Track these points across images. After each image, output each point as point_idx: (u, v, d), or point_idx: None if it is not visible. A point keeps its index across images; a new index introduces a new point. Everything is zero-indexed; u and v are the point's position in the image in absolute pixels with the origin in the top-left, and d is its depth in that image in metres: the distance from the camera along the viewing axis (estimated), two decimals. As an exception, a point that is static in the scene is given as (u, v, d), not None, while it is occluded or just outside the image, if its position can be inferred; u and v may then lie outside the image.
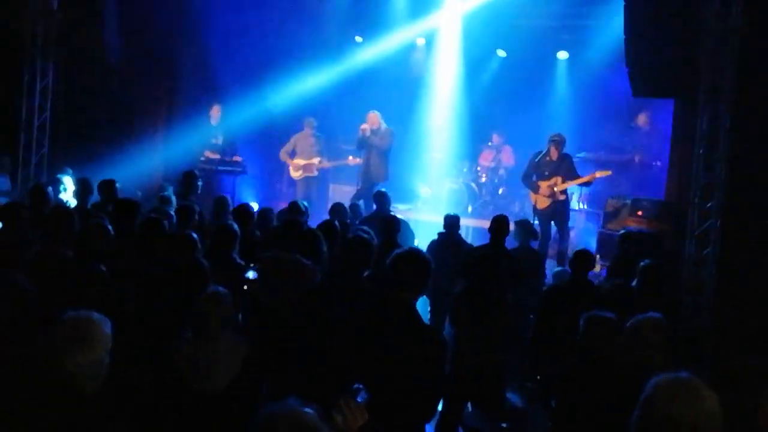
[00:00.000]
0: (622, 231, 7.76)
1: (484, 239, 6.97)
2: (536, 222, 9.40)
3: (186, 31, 11.24)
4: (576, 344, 3.99)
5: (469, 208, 11.80)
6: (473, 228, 10.84)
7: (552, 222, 9.49)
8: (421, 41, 13.41)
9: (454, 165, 12.66)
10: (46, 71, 9.39)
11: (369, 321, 3.51)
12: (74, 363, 2.82)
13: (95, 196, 7.19)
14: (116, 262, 4.86)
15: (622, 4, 7.55)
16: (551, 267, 8.24)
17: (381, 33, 12.87)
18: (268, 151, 12.41)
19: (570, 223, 9.88)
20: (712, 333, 6.41)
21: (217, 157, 11.09)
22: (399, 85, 13.07)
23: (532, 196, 9.58)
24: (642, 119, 11.48)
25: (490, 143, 12.60)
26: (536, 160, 9.45)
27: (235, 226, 5.67)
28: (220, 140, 11.22)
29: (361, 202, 9.31)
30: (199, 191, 8.06)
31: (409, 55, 13.46)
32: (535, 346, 5.83)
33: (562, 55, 12.70)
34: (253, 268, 5.44)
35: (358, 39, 13.29)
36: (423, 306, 6.51)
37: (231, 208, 7.30)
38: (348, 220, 7.38)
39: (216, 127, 11.28)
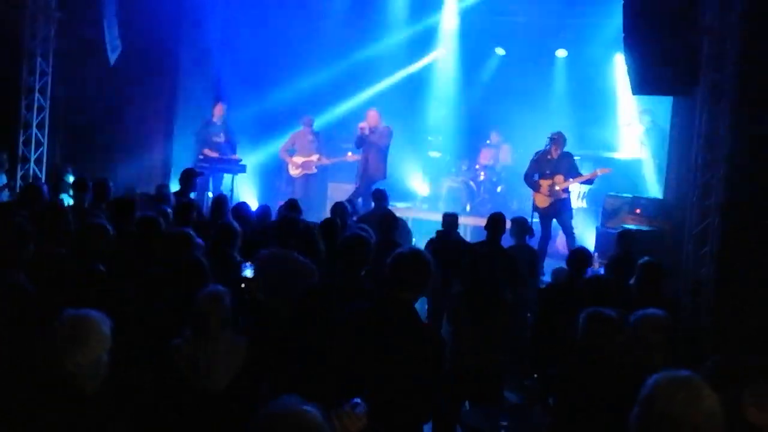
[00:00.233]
0: (621, 229, 7.76)
1: (483, 237, 6.96)
2: (537, 220, 9.40)
3: (185, 29, 11.21)
4: (576, 342, 3.98)
5: (468, 207, 11.80)
6: (472, 226, 10.84)
7: (554, 220, 9.46)
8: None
9: (452, 163, 12.65)
10: (45, 69, 9.37)
11: (369, 321, 3.50)
12: (74, 363, 2.81)
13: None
14: (115, 261, 4.85)
15: (621, 2, 7.54)
16: (552, 266, 8.21)
17: (380, 30, 12.86)
18: (267, 149, 12.40)
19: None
20: (712, 333, 6.41)
21: (216, 155, 11.09)
22: (398, 83, 13.05)
23: (534, 194, 9.55)
24: (642, 118, 11.46)
25: (488, 142, 12.60)
26: (537, 158, 9.44)
27: (236, 225, 5.66)
28: (222, 138, 11.22)
29: (359, 200, 9.31)
30: (197, 189, 8.05)
31: (408, 53, 13.42)
32: (534, 345, 5.82)
33: (561, 53, 12.69)
34: (250, 266, 5.43)
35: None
36: (421, 305, 6.50)
37: (229, 207, 7.29)
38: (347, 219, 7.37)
39: (219, 126, 11.27)
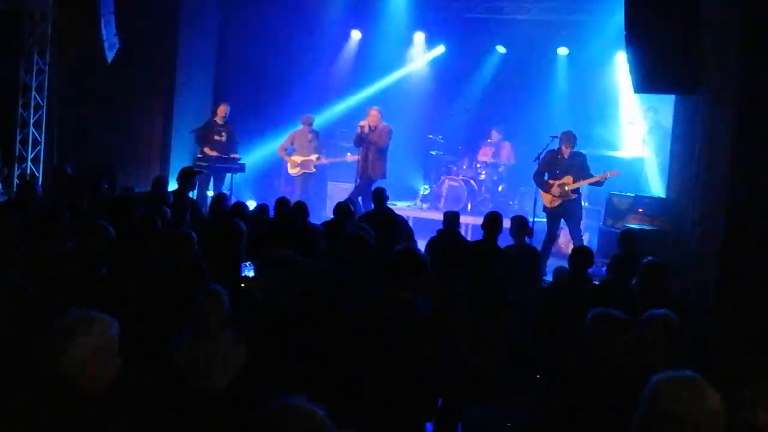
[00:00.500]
0: (623, 228, 7.72)
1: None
2: (544, 220, 9.36)
3: (184, 26, 11.18)
4: (579, 342, 3.95)
5: (469, 206, 11.77)
6: (472, 225, 10.81)
7: (563, 221, 9.38)
8: (420, 36, 13.36)
9: (453, 162, 12.62)
10: (42, 67, 9.34)
11: (369, 320, 3.49)
12: (65, 362, 2.76)
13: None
14: (114, 261, 4.85)
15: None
16: (554, 265, 8.18)
17: (380, 28, 12.84)
18: (266, 148, 12.37)
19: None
20: (712, 333, 6.38)
21: (216, 154, 11.06)
22: (398, 82, 13.03)
23: (542, 194, 9.46)
24: (646, 115, 11.42)
25: (489, 140, 12.57)
26: (548, 158, 9.35)
27: (242, 224, 5.64)
28: (224, 138, 11.21)
29: (359, 199, 9.28)
30: (196, 188, 8.03)
31: (407, 50, 13.41)
32: (535, 344, 5.80)
33: (563, 51, 12.66)
34: (250, 266, 5.40)
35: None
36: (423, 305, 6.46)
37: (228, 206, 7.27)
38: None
39: (221, 125, 11.25)
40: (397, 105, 12.24)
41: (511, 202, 12.01)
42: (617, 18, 8.62)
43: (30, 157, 9.36)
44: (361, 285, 4.60)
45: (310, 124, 11.78)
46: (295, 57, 12.47)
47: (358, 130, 10.74)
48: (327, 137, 12.34)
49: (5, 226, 5.51)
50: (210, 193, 10.56)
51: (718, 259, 6.65)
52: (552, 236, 9.29)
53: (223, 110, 11.27)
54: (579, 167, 9.24)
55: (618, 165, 10.47)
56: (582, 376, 3.86)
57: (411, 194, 12.73)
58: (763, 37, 6.57)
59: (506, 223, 7.33)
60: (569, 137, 9.27)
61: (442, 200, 11.91)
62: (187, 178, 7.86)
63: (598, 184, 9.44)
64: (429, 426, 4.68)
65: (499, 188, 12.26)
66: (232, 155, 11.20)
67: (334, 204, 7.86)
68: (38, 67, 9.32)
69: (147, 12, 10.40)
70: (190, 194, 8.01)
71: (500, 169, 12.33)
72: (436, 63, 13.31)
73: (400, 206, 11.13)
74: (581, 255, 5.93)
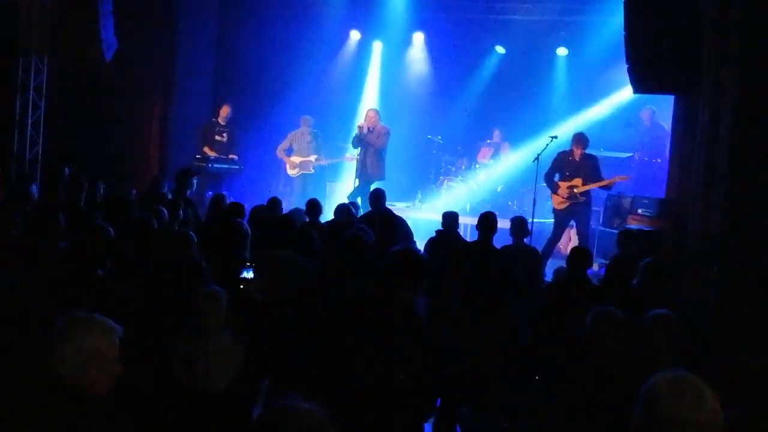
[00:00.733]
0: (622, 229, 7.70)
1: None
2: (543, 221, 9.33)
3: (183, 26, 11.16)
4: (579, 341, 3.94)
5: (468, 206, 11.74)
6: (471, 226, 10.77)
7: (571, 223, 9.32)
8: (419, 37, 13.35)
9: (452, 162, 12.61)
10: (41, 67, 9.31)
11: (368, 321, 3.48)
12: (58, 362, 2.74)
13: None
14: (114, 261, 4.85)
15: (623, -1, 7.51)
16: (555, 266, 8.16)
17: (379, 29, 12.83)
18: (265, 149, 12.35)
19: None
20: (712, 333, 6.36)
21: (215, 154, 11.05)
22: (397, 82, 13.01)
23: (552, 195, 9.41)
24: (646, 114, 11.39)
25: (489, 140, 12.56)
26: (558, 159, 9.29)
27: (246, 225, 5.62)
28: (225, 138, 11.20)
29: (358, 200, 9.28)
30: (194, 188, 8.01)
31: (406, 51, 13.39)
32: (534, 345, 5.78)
33: (562, 51, 12.64)
34: (249, 267, 5.38)
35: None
36: (420, 304, 6.45)
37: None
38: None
39: (223, 126, 11.25)
40: (396, 105, 12.22)
41: (510, 203, 11.99)
42: (617, 18, 8.62)
43: (28, 157, 9.33)
44: (360, 285, 4.59)
45: (309, 125, 11.77)
46: (294, 57, 12.45)
47: (357, 131, 10.74)
48: (325, 138, 12.32)
49: (3, 227, 5.51)
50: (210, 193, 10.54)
51: (718, 259, 6.64)
52: (557, 237, 9.24)
53: (225, 111, 11.28)
54: (590, 170, 9.15)
55: (617, 165, 10.46)
56: (582, 376, 3.84)
57: (410, 195, 12.70)
58: (763, 37, 6.56)
59: (507, 224, 7.33)
60: (580, 139, 9.18)
61: (441, 200, 11.89)
62: (184, 178, 7.85)
63: (607, 188, 9.37)
64: (428, 427, 4.67)
65: (498, 189, 12.25)
66: (231, 155, 11.19)
67: (333, 204, 7.85)
68: (36, 66, 9.28)
69: (146, 12, 10.37)
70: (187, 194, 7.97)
71: (498, 169, 12.30)
72: (436, 63, 13.28)
73: (398, 206, 11.11)
74: (579, 255, 5.91)
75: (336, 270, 5.04)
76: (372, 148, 10.65)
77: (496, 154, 12.39)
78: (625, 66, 7.94)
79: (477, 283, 5.29)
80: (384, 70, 13.15)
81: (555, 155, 9.36)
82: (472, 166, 12.39)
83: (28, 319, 3.85)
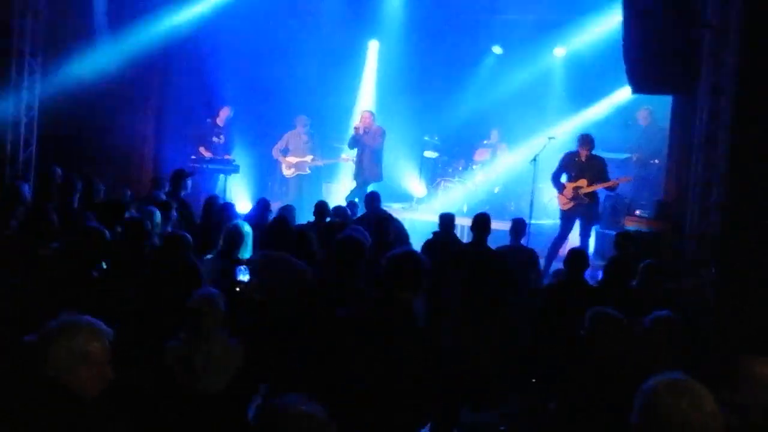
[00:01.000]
0: (620, 231, 7.68)
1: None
2: (542, 222, 9.30)
3: (178, 26, 11.12)
4: (578, 342, 3.93)
5: (465, 207, 11.72)
6: (468, 227, 10.75)
7: (577, 223, 9.30)
8: (415, 37, 13.32)
9: (449, 163, 12.59)
10: (34, 68, 9.26)
11: (366, 322, 3.48)
12: (50, 366, 2.73)
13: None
14: (110, 263, 4.82)
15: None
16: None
17: (375, 29, 12.82)
18: (260, 150, 12.32)
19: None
20: (712, 333, 6.34)
21: (210, 155, 11.02)
22: (393, 82, 12.99)
23: (558, 195, 9.39)
24: (643, 115, 11.38)
25: (486, 141, 12.55)
26: (565, 159, 9.27)
27: (246, 228, 5.60)
28: (221, 140, 11.18)
29: (356, 201, 9.27)
30: (188, 189, 7.98)
31: (402, 51, 13.37)
32: (533, 346, 5.76)
33: (559, 51, 12.64)
34: (245, 269, 5.35)
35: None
36: (419, 305, 6.43)
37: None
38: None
39: (221, 127, 11.23)
40: (392, 106, 12.20)
41: (508, 204, 11.97)
42: (614, 18, 8.60)
43: (22, 159, 9.27)
44: (357, 286, 4.58)
45: (305, 125, 11.75)
46: (290, 57, 12.42)
47: (353, 132, 10.74)
48: (321, 138, 12.31)
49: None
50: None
51: (718, 259, 6.63)
52: (562, 238, 9.20)
53: (225, 113, 11.28)
54: (596, 171, 9.12)
55: (615, 166, 10.43)
56: (581, 376, 3.85)
57: (406, 196, 12.68)
58: (763, 37, 6.55)
59: (503, 225, 7.31)
60: (586, 140, 9.15)
61: (438, 202, 11.86)
62: (179, 179, 7.81)
63: (611, 189, 9.34)
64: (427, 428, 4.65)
65: (495, 190, 12.23)
66: (227, 156, 11.16)
67: (330, 205, 7.83)
68: (30, 67, 9.23)
69: (141, 11, 10.34)
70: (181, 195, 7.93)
71: (496, 170, 12.28)
72: (433, 63, 13.26)
73: (395, 208, 11.09)
74: (576, 257, 5.89)
75: (332, 271, 5.01)
76: (368, 149, 10.67)
77: (493, 154, 12.37)
78: (623, 66, 7.92)
79: (475, 284, 5.28)
80: (380, 70, 13.13)
81: (562, 156, 9.34)
82: (469, 167, 12.37)
83: (21, 320, 3.82)
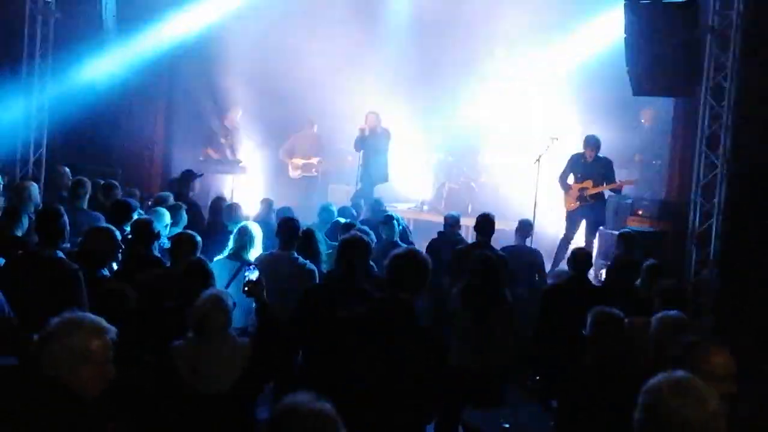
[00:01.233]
0: (622, 231, 7.73)
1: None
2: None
3: (186, 28, 11.19)
4: (579, 342, 3.96)
5: (470, 208, 11.76)
6: (473, 227, 10.79)
7: (583, 223, 9.34)
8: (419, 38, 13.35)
9: (454, 164, 12.62)
10: (44, 70, 9.35)
11: (369, 321, 3.49)
12: (47, 364, 2.73)
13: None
14: (119, 262, 4.88)
15: (623, 1, 7.53)
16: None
17: (380, 30, 12.84)
18: (267, 151, 12.38)
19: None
20: (712, 333, 6.39)
21: (218, 156, 11.08)
22: (398, 84, 13.01)
23: (564, 196, 9.43)
24: (645, 116, 11.40)
25: (488, 142, 12.58)
26: (572, 160, 9.30)
27: (255, 228, 5.66)
28: (230, 141, 11.24)
29: (361, 202, 9.31)
30: (196, 190, 8.04)
31: (406, 52, 13.40)
32: (535, 345, 5.80)
33: (562, 53, 12.63)
34: (253, 269, 5.41)
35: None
36: (422, 305, 6.49)
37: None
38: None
39: (228, 128, 11.29)
40: (397, 107, 12.23)
41: (514, 205, 11.98)
42: (616, 20, 8.62)
43: (32, 160, 9.37)
44: (361, 286, 4.62)
45: (313, 127, 11.78)
46: (298, 58, 12.46)
47: (358, 134, 10.77)
48: (328, 140, 12.35)
49: (7, 229, 5.55)
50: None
51: (718, 259, 6.68)
52: (568, 238, 9.24)
53: (235, 114, 11.33)
54: (602, 172, 9.13)
55: (616, 167, 10.44)
56: (583, 375, 3.85)
57: (412, 197, 12.71)
58: (762, 39, 6.60)
59: (508, 225, 7.36)
60: (591, 141, 9.17)
61: (443, 203, 11.91)
62: (187, 180, 7.88)
63: (616, 190, 9.35)
64: (429, 427, 4.69)
65: (500, 190, 12.26)
66: (234, 158, 11.22)
67: (335, 207, 7.89)
68: (40, 69, 9.33)
69: (148, 14, 10.42)
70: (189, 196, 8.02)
71: (500, 171, 12.32)
72: (437, 64, 13.28)
73: (400, 209, 11.13)
74: (579, 257, 5.94)
75: (338, 271, 5.06)
76: (374, 150, 10.67)
77: (496, 155, 12.40)
78: (626, 68, 7.97)
79: (478, 284, 5.32)
80: (383, 71, 13.15)
81: (570, 157, 9.39)
82: (474, 168, 12.41)
83: (31, 321, 3.86)
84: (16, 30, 9.14)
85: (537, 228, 8.73)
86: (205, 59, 11.69)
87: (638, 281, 5.77)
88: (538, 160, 9.56)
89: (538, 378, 5.83)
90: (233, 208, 7.13)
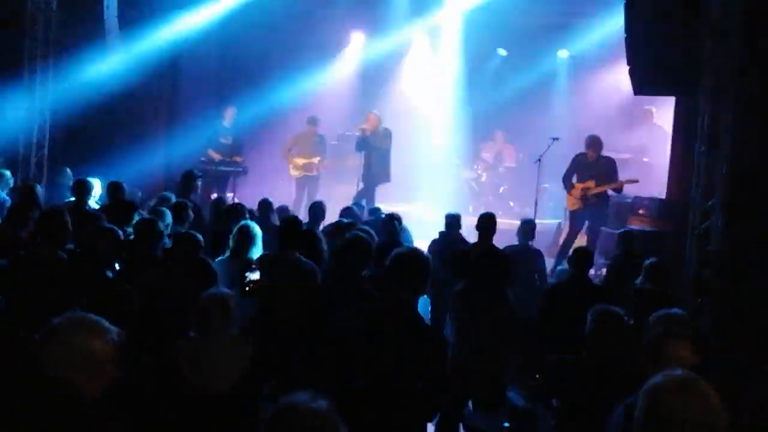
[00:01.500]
0: (623, 230, 7.74)
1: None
2: (544, 222, 9.34)
3: (188, 28, 11.20)
4: (580, 342, 3.96)
5: (471, 207, 11.79)
6: (474, 226, 10.80)
7: (586, 222, 9.35)
8: (421, 39, 13.38)
9: (455, 164, 12.64)
10: (46, 71, 9.37)
11: (370, 321, 3.50)
12: (51, 364, 2.71)
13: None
14: (122, 263, 4.89)
15: (623, 1, 7.54)
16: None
17: (382, 30, 12.86)
18: (268, 151, 12.39)
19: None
20: (712, 333, 6.40)
21: (220, 157, 11.09)
22: (400, 84, 13.05)
23: (567, 196, 9.45)
24: (650, 114, 11.42)
25: (491, 142, 12.60)
26: (576, 160, 9.33)
27: (256, 229, 5.68)
28: (230, 140, 11.25)
29: (363, 203, 9.32)
30: (198, 191, 8.05)
31: (410, 53, 13.43)
32: (536, 344, 5.82)
33: (563, 53, 12.68)
34: (255, 269, 5.43)
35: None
36: (424, 305, 6.50)
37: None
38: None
39: (228, 128, 11.30)
40: (398, 108, 12.25)
41: (511, 204, 12.02)
42: (617, 20, 8.65)
43: (34, 160, 9.39)
44: (361, 285, 4.63)
45: (316, 126, 11.79)
46: (300, 59, 12.48)
47: (359, 134, 10.77)
48: (329, 140, 12.36)
49: (11, 229, 5.57)
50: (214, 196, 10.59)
51: (718, 260, 6.68)
52: (571, 238, 9.26)
53: (230, 112, 11.33)
54: (604, 172, 9.15)
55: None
56: (584, 374, 3.86)
57: (413, 196, 12.72)
58: (763, 38, 6.60)
59: (509, 225, 7.37)
60: (593, 141, 9.19)
61: (445, 202, 11.91)
62: (189, 181, 7.89)
63: (617, 190, 9.38)
64: (431, 427, 4.71)
65: (501, 190, 12.29)
66: (236, 158, 11.23)
67: (336, 207, 7.89)
68: (42, 70, 9.35)
69: (150, 14, 10.44)
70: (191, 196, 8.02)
71: (501, 171, 12.33)
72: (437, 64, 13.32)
73: (401, 208, 11.12)
74: (581, 256, 5.95)
75: (339, 271, 5.08)
76: (375, 151, 10.68)
77: (498, 155, 12.42)
78: (626, 68, 7.98)
79: (479, 284, 5.33)
80: (386, 72, 13.18)
81: (573, 157, 9.40)
82: (475, 168, 12.42)
83: (34, 321, 3.87)
84: (18, 30, 9.16)
85: (537, 227, 8.75)
86: (207, 59, 11.70)
87: (638, 280, 5.79)
88: (539, 160, 9.57)
89: (539, 377, 5.85)
90: (234, 209, 7.15)
